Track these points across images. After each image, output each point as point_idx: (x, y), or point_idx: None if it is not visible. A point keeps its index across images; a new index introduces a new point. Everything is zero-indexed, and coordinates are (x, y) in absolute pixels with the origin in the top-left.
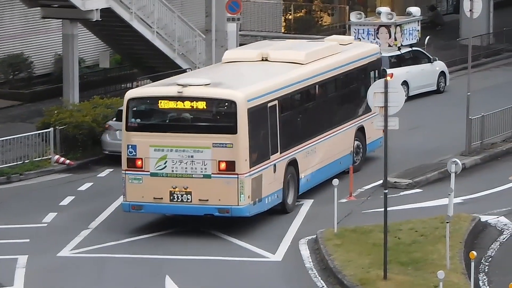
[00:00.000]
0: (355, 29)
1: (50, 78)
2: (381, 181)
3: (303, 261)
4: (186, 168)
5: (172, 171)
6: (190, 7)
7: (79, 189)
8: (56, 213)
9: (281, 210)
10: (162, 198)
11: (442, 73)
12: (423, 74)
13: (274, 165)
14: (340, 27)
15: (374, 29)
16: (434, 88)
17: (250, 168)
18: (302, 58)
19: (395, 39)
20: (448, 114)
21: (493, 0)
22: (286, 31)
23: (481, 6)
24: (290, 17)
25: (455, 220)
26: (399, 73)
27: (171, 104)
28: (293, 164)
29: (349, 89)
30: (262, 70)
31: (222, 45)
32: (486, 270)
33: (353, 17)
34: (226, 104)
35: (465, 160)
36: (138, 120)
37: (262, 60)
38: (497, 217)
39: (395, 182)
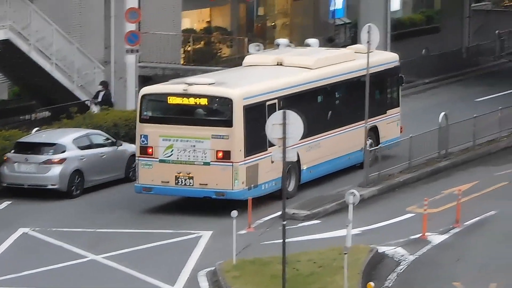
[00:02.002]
0: None
1: None
2: (279, 213)
3: None
4: (189, 156)
5: (177, 158)
6: (89, 39)
7: None
8: None
9: (280, 196)
10: (168, 182)
11: None
12: None
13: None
14: (239, 58)
15: None
16: None
17: (244, 157)
18: (312, 63)
19: None
20: None
21: (390, 32)
22: (185, 63)
23: (379, 38)
24: (189, 48)
25: (353, 251)
26: None
27: (178, 100)
28: None
29: (361, 92)
30: (273, 73)
31: (121, 77)
32: None
33: (252, 48)
34: (224, 101)
35: (363, 191)
36: (150, 113)
37: (277, 64)
38: (394, 248)
39: (293, 213)
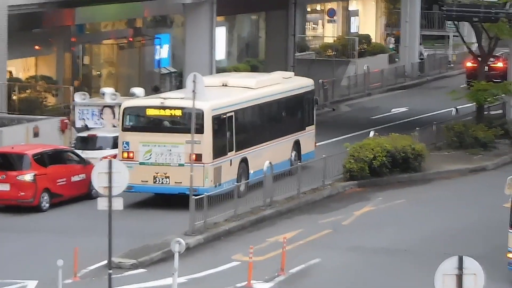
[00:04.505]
0: (80, 110)
1: None
2: (105, 261)
3: None
4: (165, 158)
5: (155, 161)
6: None
7: None
8: None
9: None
10: (147, 181)
11: None
12: None
13: (231, 160)
14: (65, 107)
15: (99, 109)
16: None
17: (213, 159)
18: (253, 84)
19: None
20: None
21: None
22: (10, 112)
23: (204, 87)
24: (14, 97)
25: None
26: None
27: (156, 112)
28: (244, 161)
29: (288, 110)
30: (223, 92)
31: None
32: None
33: (78, 97)
34: (196, 112)
35: (188, 240)
36: (131, 123)
37: (223, 85)
38: None
39: (119, 262)
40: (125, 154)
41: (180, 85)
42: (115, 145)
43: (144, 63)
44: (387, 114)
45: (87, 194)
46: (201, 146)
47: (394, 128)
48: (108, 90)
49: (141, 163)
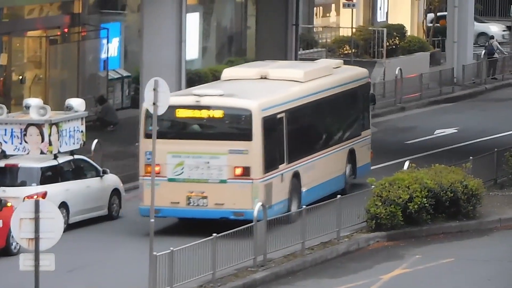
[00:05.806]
0: None
1: None
2: None
3: None
4: (202, 173)
5: (189, 176)
6: None
7: None
8: None
9: (285, 220)
10: (179, 203)
11: (116, 192)
12: (90, 193)
13: (282, 174)
14: None
15: (21, 129)
16: (106, 212)
17: (263, 174)
18: (301, 76)
19: (50, 144)
20: (127, 249)
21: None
22: None
23: (169, 99)
24: None
25: None
26: (55, 192)
27: (188, 113)
28: (296, 176)
29: (343, 110)
30: (264, 86)
31: None
32: None
33: None
34: (242, 112)
35: None
36: (157, 128)
37: (261, 78)
38: None
39: None
40: (149, 168)
41: (136, 94)
42: (44, 180)
43: (85, 64)
44: (428, 137)
45: (4, 248)
46: (249, 157)
47: (438, 157)
48: (34, 102)
49: (170, 180)
